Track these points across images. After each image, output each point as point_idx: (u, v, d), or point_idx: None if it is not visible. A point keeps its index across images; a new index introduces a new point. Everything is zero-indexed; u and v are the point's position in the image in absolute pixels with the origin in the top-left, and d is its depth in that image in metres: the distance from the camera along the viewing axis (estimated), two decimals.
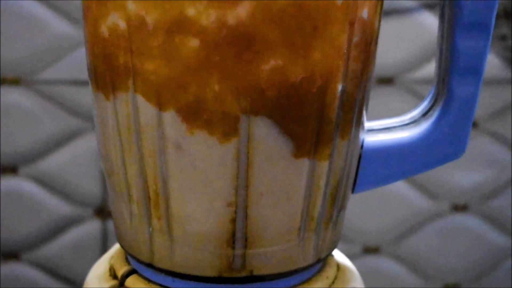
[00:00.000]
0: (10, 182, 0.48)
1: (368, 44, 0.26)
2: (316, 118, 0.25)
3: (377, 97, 0.51)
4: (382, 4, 0.27)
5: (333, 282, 0.29)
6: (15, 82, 0.47)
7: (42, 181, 0.48)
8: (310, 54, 0.25)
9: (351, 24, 0.25)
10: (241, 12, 0.24)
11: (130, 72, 0.25)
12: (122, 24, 0.25)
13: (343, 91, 0.26)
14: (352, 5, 0.25)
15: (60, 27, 0.47)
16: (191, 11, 0.24)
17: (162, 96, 0.25)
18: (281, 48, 0.24)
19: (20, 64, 0.47)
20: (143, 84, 0.25)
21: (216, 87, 0.24)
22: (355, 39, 0.26)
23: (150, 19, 0.24)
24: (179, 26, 0.24)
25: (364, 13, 0.26)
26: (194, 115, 0.25)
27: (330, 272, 0.29)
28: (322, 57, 0.25)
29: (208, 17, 0.24)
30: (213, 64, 0.24)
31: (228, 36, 0.24)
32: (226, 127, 0.25)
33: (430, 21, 0.50)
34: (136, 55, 0.25)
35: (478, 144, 0.52)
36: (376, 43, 0.27)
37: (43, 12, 0.47)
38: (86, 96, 0.48)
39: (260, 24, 0.24)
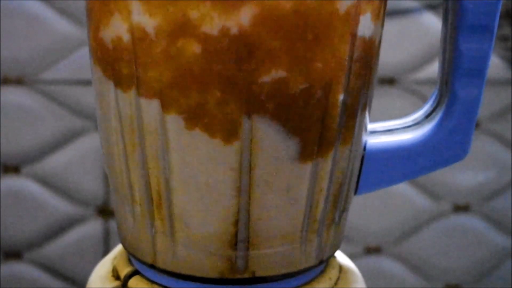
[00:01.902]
0: (12, 182, 0.48)
1: (370, 53, 0.26)
2: (318, 125, 0.25)
3: (379, 97, 0.51)
4: (384, 12, 0.27)
5: (335, 283, 0.29)
6: (18, 81, 0.47)
7: (44, 181, 0.48)
8: (311, 64, 0.25)
9: (353, 32, 0.25)
10: (243, 20, 0.24)
11: (134, 76, 0.25)
12: (125, 31, 0.25)
13: (345, 99, 0.26)
14: (354, 14, 0.25)
15: (63, 26, 0.47)
16: (194, 14, 0.24)
17: (165, 100, 0.25)
18: (282, 57, 0.24)
19: (23, 64, 0.47)
20: (146, 88, 0.25)
21: (218, 93, 0.24)
22: (357, 47, 0.25)
23: (153, 22, 0.24)
24: (182, 29, 0.24)
25: (367, 21, 0.26)
26: (196, 118, 0.25)
27: (332, 273, 0.29)
28: (324, 67, 0.25)
29: (210, 21, 0.24)
30: (215, 71, 0.24)
31: (230, 45, 0.24)
32: (228, 130, 0.25)
33: (432, 22, 0.50)
34: (140, 61, 0.25)
35: (479, 145, 0.52)
36: (378, 50, 0.27)
37: (45, 12, 0.47)
38: (88, 96, 0.48)
39: (261, 33, 0.24)
